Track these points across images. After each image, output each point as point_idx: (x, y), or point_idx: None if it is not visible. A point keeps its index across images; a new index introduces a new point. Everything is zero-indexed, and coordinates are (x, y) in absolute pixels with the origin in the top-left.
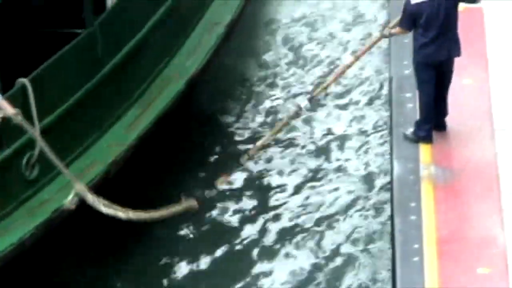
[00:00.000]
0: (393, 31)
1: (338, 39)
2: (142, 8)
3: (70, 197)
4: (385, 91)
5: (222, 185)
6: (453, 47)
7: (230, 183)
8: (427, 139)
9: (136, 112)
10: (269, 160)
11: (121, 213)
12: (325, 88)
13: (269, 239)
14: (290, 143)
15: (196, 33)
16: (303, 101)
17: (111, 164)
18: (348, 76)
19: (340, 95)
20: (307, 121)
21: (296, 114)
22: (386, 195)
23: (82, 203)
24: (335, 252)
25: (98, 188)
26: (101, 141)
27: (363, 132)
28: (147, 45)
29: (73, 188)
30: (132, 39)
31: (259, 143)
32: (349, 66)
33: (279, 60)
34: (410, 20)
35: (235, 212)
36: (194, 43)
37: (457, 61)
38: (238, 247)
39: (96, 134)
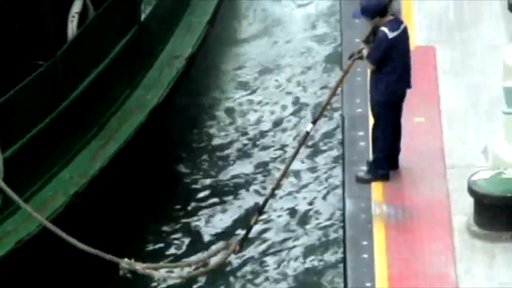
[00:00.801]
0: (366, 52)
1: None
2: (103, 41)
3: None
4: (338, 129)
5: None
6: (410, 78)
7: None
8: (387, 177)
9: (98, 143)
10: (212, 194)
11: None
12: (324, 108)
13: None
14: (237, 182)
15: (157, 65)
16: (308, 126)
17: (74, 195)
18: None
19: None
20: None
21: (305, 139)
22: (339, 233)
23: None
24: None
25: (62, 219)
26: (64, 172)
27: (316, 170)
28: (108, 77)
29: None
30: (93, 71)
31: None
32: (340, 81)
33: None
34: (383, 55)
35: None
36: (155, 75)
37: (409, 99)
38: None
39: (59, 164)
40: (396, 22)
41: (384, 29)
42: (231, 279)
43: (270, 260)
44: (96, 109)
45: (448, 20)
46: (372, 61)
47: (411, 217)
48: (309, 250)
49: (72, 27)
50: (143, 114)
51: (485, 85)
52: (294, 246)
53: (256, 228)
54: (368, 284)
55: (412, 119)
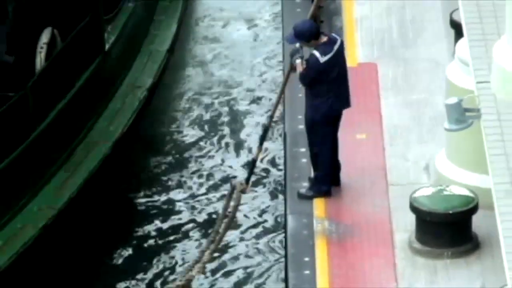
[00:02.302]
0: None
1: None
2: (70, 71)
3: None
4: (280, 146)
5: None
6: (348, 96)
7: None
8: (329, 193)
9: (64, 175)
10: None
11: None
12: (272, 116)
13: None
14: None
15: (119, 95)
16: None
17: (43, 228)
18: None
19: (237, 145)
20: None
21: (259, 152)
22: (280, 250)
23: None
24: None
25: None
26: (32, 204)
27: (258, 186)
28: (73, 108)
29: None
30: (61, 101)
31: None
32: (280, 96)
33: None
34: (315, 78)
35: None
36: (118, 106)
37: (351, 115)
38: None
39: (27, 196)
40: (330, 44)
41: (316, 53)
42: None
43: (210, 277)
44: (62, 139)
45: (391, 37)
46: (303, 83)
47: (353, 234)
48: (250, 267)
49: (40, 58)
50: (107, 145)
51: (427, 102)
52: (235, 262)
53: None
54: None
55: (354, 135)
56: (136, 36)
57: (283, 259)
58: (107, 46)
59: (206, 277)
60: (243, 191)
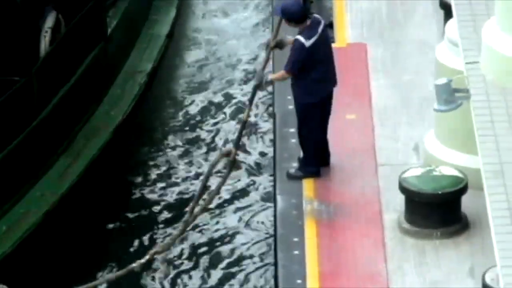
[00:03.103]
0: (272, 77)
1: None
2: (74, 56)
3: None
4: (269, 126)
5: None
6: (335, 75)
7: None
8: (318, 174)
9: (66, 161)
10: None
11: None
12: (248, 113)
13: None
14: (173, 180)
15: (119, 81)
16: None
17: (46, 214)
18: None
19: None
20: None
21: (248, 113)
22: (270, 229)
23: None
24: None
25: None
26: (34, 190)
27: (247, 167)
28: (76, 93)
29: None
30: (64, 87)
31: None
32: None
33: None
34: (303, 63)
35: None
36: (118, 91)
37: (340, 96)
38: None
39: (29, 182)
40: (313, 27)
41: (300, 38)
42: (160, 281)
43: (199, 259)
44: (65, 125)
45: (380, 18)
46: (293, 71)
47: (342, 214)
48: (240, 247)
49: (45, 42)
50: (108, 131)
51: (416, 83)
52: (223, 242)
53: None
54: (299, 281)
55: (343, 116)
56: (136, 21)
57: (272, 239)
58: (109, 31)
59: (192, 259)
60: (232, 159)
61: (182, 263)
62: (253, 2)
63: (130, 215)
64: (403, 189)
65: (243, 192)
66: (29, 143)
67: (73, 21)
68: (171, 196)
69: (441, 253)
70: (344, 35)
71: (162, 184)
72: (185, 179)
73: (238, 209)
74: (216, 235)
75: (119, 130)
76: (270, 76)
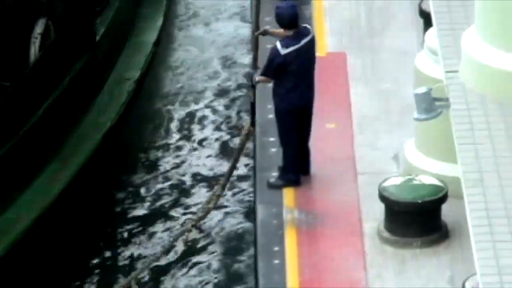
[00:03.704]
0: (258, 78)
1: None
2: (63, 62)
3: None
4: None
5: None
6: (313, 92)
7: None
8: (298, 182)
9: (56, 167)
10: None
11: None
12: (231, 173)
13: None
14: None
15: (107, 88)
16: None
17: (36, 219)
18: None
19: (204, 139)
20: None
21: (254, 94)
22: (250, 239)
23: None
24: None
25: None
26: (25, 195)
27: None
28: (63, 101)
29: None
30: (54, 92)
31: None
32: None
33: None
34: (277, 70)
35: None
36: (106, 98)
37: (320, 105)
38: None
39: (21, 187)
40: (296, 38)
41: (278, 44)
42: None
43: (179, 268)
44: (54, 131)
45: (359, 27)
46: (268, 75)
47: (322, 223)
48: (220, 256)
49: (34, 48)
50: (97, 138)
51: (396, 92)
52: (204, 251)
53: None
54: None
55: (323, 125)
56: (123, 28)
57: (252, 249)
58: (97, 39)
59: (175, 266)
60: (250, 132)
61: (164, 272)
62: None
63: (120, 221)
64: (383, 198)
65: (223, 201)
66: (19, 149)
67: (62, 28)
68: (159, 201)
69: (421, 262)
70: (324, 44)
71: (149, 190)
72: (174, 186)
73: (218, 219)
74: (196, 244)
75: (108, 136)
76: (257, 78)
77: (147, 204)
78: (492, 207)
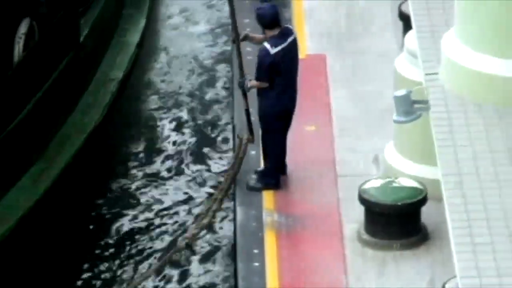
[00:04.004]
0: (250, 84)
1: None
2: (47, 62)
3: None
4: (229, 137)
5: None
6: (295, 95)
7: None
8: (278, 185)
9: (40, 167)
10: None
11: None
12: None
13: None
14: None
15: (91, 88)
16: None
17: (21, 218)
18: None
19: (183, 142)
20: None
21: (246, 100)
22: (229, 241)
23: None
24: None
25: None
26: (8, 196)
27: (206, 178)
28: (47, 101)
29: None
30: (38, 93)
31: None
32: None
33: None
34: (269, 71)
35: None
36: (90, 99)
37: (300, 107)
38: None
39: (3, 188)
40: (282, 37)
41: (267, 45)
42: None
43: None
44: (38, 132)
45: (339, 29)
46: (261, 78)
47: (302, 226)
48: (199, 259)
49: (18, 48)
50: (81, 138)
51: (376, 94)
52: (183, 254)
53: (142, 246)
54: None
55: (303, 127)
56: (107, 29)
57: (232, 251)
58: (81, 39)
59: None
60: (249, 141)
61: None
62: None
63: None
64: (363, 200)
65: (202, 204)
66: (3, 149)
67: (46, 28)
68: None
69: (401, 264)
70: (303, 45)
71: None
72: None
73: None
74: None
75: (91, 137)
76: (249, 84)
77: (134, 210)
78: (472, 210)
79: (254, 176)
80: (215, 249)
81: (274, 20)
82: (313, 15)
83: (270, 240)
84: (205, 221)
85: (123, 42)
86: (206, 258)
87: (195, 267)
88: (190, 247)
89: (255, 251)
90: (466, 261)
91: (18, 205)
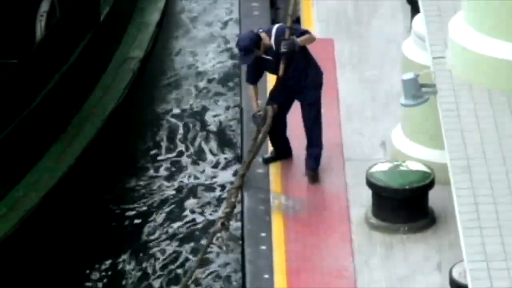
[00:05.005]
0: (302, 39)
1: None
2: (69, 40)
3: None
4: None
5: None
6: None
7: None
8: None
9: (62, 146)
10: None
11: None
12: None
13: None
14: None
15: (112, 67)
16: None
17: (44, 197)
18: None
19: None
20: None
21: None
22: (237, 225)
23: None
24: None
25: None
26: (31, 173)
27: (214, 162)
28: (68, 79)
29: None
30: (60, 71)
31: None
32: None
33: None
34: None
35: None
36: (110, 78)
37: None
38: None
39: (28, 165)
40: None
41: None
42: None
43: (166, 256)
44: (60, 110)
45: (347, 13)
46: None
47: (310, 209)
48: (204, 242)
49: (40, 26)
50: (102, 117)
51: (383, 78)
52: (191, 237)
53: (149, 232)
54: (266, 276)
55: None
56: (127, 8)
57: (239, 235)
58: (101, 17)
59: (158, 255)
60: (275, 111)
61: (147, 259)
62: None
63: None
64: (370, 184)
65: (209, 187)
66: (25, 128)
67: (67, 6)
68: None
69: (408, 248)
70: (311, 30)
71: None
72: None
73: (203, 204)
74: (181, 230)
75: (113, 115)
76: (299, 40)
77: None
78: (479, 194)
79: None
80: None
81: (257, 37)
82: (320, 0)
83: (277, 224)
84: (233, 199)
85: (143, 22)
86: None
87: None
88: (226, 227)
89: (263, 234)
90: (474, 245)
91: (40, 184)
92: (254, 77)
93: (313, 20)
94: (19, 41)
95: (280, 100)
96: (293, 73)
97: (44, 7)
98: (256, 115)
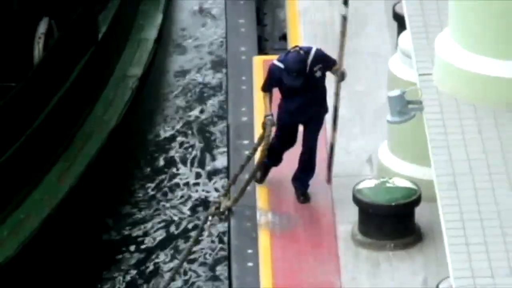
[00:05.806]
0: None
1: None
2: (67, 60)
3: None
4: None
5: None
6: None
7: None
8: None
9: (64, 165)
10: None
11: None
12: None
13: None
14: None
15: (111, 85)
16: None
17: (46, 218)
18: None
19: (182, 143)
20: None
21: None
22: (224, 241)
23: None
24: None
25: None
26: (34, 194)
27: (201, 178)
28: (68, 99)
29: None
30: (58, 91)
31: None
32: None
33: None
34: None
35: None
36: (109, 96)
37: None
38: None
39: (29, 186)
40: (294, 53)
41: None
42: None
43: (152, 273)
44: (60, 130)
45: (333, 29)
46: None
47: (296, 226)
48: (194, 258)
49: (38, 48)
50: (103, 135)
51: (370, 94)
52: (177, 256)
53: (136, 242)
54: None
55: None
56: (125, 26)
57: (226, 251)
58: (99, 36)
59: (145, 271)
60: (273, 125)
61: (135, 276)
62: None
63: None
64: (356, 201)
65: (197, 203)
66: (27, 148)
67: (65, 27)
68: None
69: (394, 265)
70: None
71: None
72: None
73: (192, 220)
74: (168, 244)
75: (113, 134)
76: (343, 68)
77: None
78: (466, 210)
79: (247, 176)
80: (209, 249)
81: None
82: (307, 16)
83: (264, 240)
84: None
85: (141, 38)
86: (201, 259)
87: (189, 266)
88: (230, 210)
89: (249, 251)
90: (460, 261)
91: (43, 204)
92: (272, 87)
93: (300, 36)
94: (17, 63)
95: (298, 119)
96: (315, 100)
97: (42, 28)
98: (268, 117)
